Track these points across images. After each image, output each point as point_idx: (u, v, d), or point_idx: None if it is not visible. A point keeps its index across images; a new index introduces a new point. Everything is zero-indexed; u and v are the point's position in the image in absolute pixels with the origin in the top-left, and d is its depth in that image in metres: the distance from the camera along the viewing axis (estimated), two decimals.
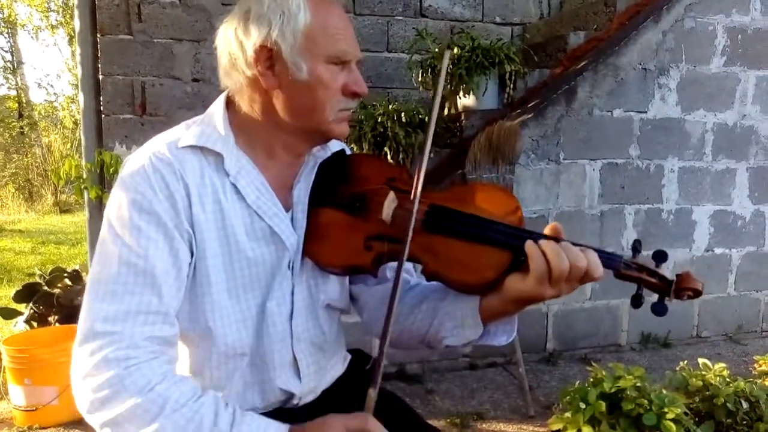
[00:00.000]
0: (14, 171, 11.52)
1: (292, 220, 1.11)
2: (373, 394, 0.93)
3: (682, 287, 1.00)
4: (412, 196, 1.01)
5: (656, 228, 3.76)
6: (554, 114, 3.48)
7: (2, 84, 15.65)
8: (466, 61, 3.60)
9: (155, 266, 0.96)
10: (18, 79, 15.41)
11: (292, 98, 1.05)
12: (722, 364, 2.32)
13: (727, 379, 2.22)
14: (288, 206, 1.11)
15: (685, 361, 2.43)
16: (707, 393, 2.19)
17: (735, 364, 3.38)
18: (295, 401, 1.15)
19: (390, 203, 1.07)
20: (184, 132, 1.08)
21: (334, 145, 1.22)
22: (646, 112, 3.67)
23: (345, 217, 1.10)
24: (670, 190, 3.78)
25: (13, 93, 15.29)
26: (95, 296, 0.96)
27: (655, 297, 1.02)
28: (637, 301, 1.02)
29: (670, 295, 1.00)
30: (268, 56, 1.03)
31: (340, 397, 1.21)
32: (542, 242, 0.96)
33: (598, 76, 3.55)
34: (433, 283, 1.14)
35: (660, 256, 1.02)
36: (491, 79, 3.71)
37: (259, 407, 1.12)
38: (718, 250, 3.93)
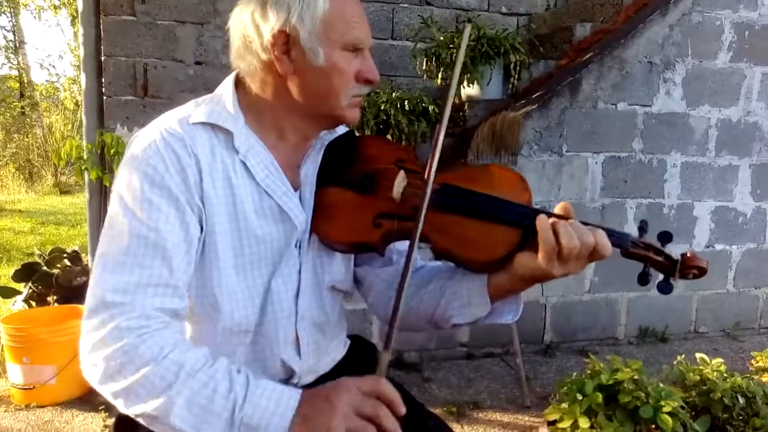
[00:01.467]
0: (15, 151, 11.47)
1: (300, 199, 1.12)
2: (386, 356, 0.93)
3: (687, 266, 1.03)
4: (426, 174, 1.01)
5: (657, 222, 3.75)
6: (558, 106, 3.47)
7: (4, 64, 15.60)
8: (471, 50, 3.58)
9: (166, 239, 0.97)
10: (20, 58, 15.34)
11: (307, 83, 1.06)
12: (719, 360, 2.32)
13: (725, 375, 2.22)
14: (296, 186, 1.12)
15: (683, 356, 2.43)
16: (704, 387, 2.19)
17: (732, 360, 3.39)
18: (295, 380, 1.16)
19: (400, 182, 1.08)
20: (194, 109, 1.08)
21: (340, 129, 1.22)
22: (650, 106, 3.65)
23: (354, 196, 1.11)
24: (672, 185, 3.77)
25: (15, 73, 15.24)
26: (104, 268, 0.96)
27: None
28: (644, 279, 1.04)
29: (675, 274, 1.04)
30: (285, 41, 1.03)
31: None
32: (553, 220, 0.98)
33: (604, 69, 3.53)
34: (440, 263, 1.17)
35: (665, 237, 1.05)
36: (496, 69, 3.69)
37: None
38: (718, 246, 3.92)
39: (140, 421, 0.93)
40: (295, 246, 1.11)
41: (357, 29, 1.06)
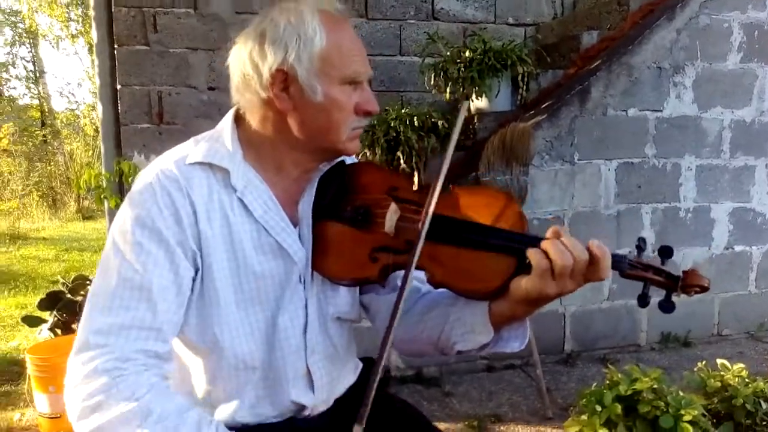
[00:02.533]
0: (38, 179, 11.70)
1: (299, 235, 1.12)
2: (358, 430, 0.92)
3: (689, 284, 1.00)
4: (422, 216, 1.01)
5: (674, 227, 3.73)
6: (568, 114, 3.47)
7: (25, 94, 15.97)
8: (478, 64, 3.60)
9: (152, 282, 0.98)
10: (40, 88, 15.69)
11: (306, 119, 1.07)
12: (741, 365, 2.30)
13: (746, 380, 2.20)
14: (295, 221, 1.13)
15: (704, 362, 2.41)
16: (726, 394, 2.17)
17: (757, 363, 3.35)
18: (306, 412, 1.16)
19: (392, 215, 1.07)
20: (193, 148, 1.10)
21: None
22: (661, 110, 3.64)
23: (349, 231, 1.11)
24: (688, 188, 3.75)
25: (36, 102, 15.58)
26: (93, 308, 0.99)
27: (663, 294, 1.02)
28: (643, 300, 1.02)
29: (677, 291, 1.01)
30: (284, 79, 1.04)
31: (352, 405, 1.22)
32: (543, 243, 0.96)
33: (612, 76, 3.53)
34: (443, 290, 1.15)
35: (665, 252, 1.02)
36: (504, 81, 3.71)
37: (271, 417, 1.14)
38: (738, 248, 3.88)
39: None
40: (300, 281, 1.12)
41: (355, 63, 1.07)
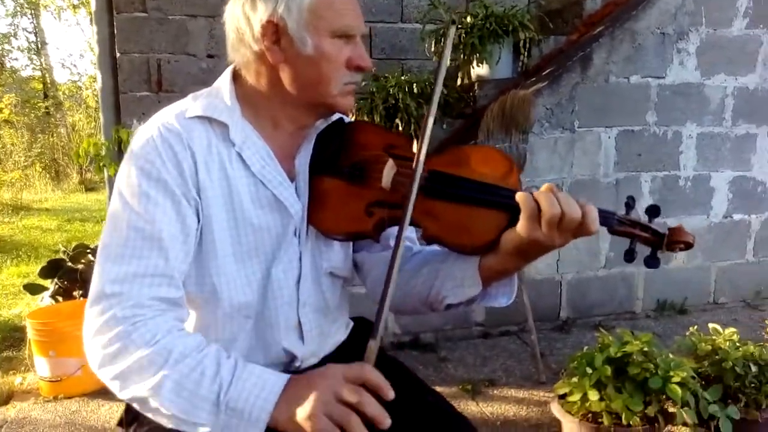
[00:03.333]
0: (40, 151, 11.71)
1: (296, 189, 1.14)
2: (373, 344, 0.94)
3: (674, 240, 1.03)
4: (414, 165, 1.02)
5: (673, 195, 3.72)
6: (569, 81, 3.44)
7: (27, 65, 15.93)
8: (479, 29, 3.57)
9: (162, 231, 1.00)
10: (42, 59, 15.62)
11: (297, 72, 1.08)
12: (732, 329, 2.30)
13: (737, 344, 2.21)
14: (292, 176, 1.15)
15: (695, 327, 2.42)
16: (716, 357, 2.18)
17: (751, 330, 3.36)
18: (297, 363, 1.19)
19: (389, 171, 1.09)
20: (192, 103, 1.11)
21: (334, 116, 1.23)
22: (664, 77, 3.61)
23: (345, 185, 1.13)
24: (688, 157, 3.73)
25: (38, 74, 15.54)
26: (105, 259, 1.00)
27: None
28: (630, 256, 1.05)
29: (663, 248, 1.04)
30: (274, 31, 1.06)
31: (341, 362, 1.24)
32: (535, 193, 0.98)
33: (615, 42, 3.49)
34: (434, 248, 1.18)
35: (653, 211, 1.05)
36: (505, 47, 3.67)
37: (263, 366, 1.16)
38: (736, 216, 3.87)
39: (134, 405, 0.97)
40: (295, 235, 1.13)
41: (346, 17, 1.07)
